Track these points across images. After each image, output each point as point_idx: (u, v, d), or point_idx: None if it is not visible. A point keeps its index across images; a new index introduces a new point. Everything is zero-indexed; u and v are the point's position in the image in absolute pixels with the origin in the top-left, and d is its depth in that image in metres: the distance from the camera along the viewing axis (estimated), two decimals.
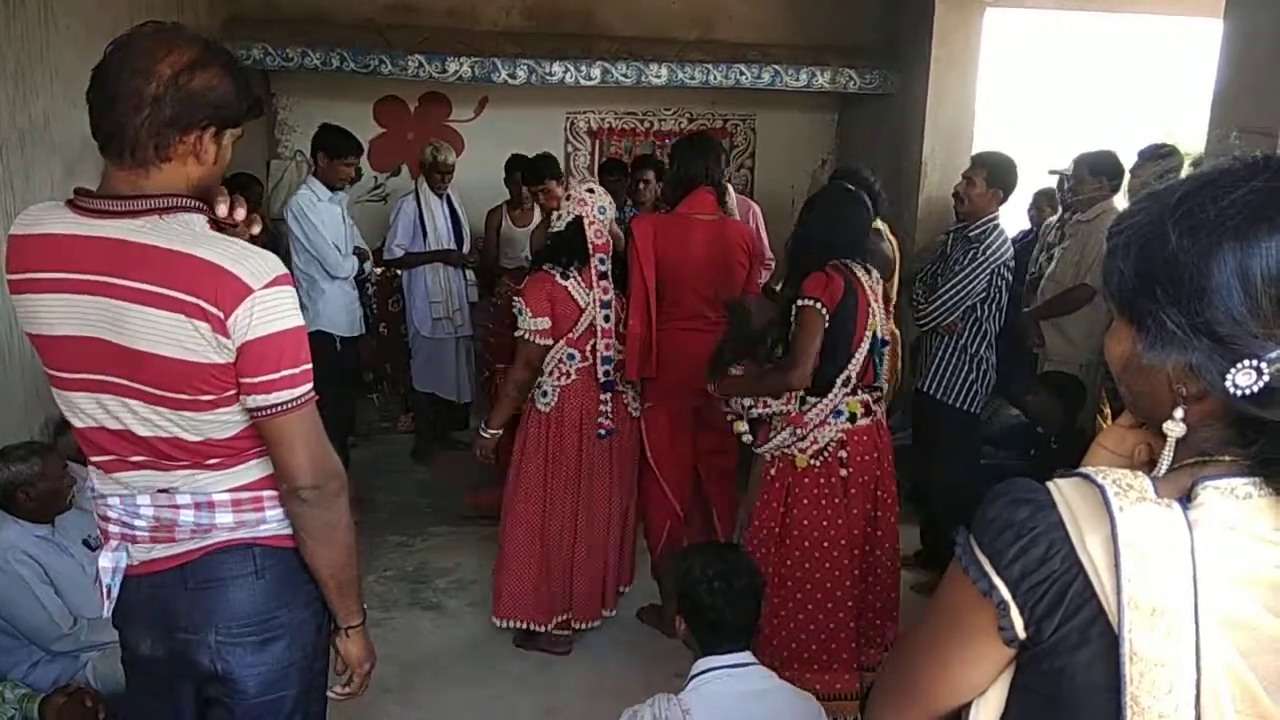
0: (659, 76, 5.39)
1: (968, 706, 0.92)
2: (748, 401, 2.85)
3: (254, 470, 1.53)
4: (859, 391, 2.80)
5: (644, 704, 2.02)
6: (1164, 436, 0.85)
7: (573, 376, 3.20)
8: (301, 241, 4.19)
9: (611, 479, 3.31)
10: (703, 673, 2.06)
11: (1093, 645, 0.80)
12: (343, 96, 5.52)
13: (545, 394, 3.21)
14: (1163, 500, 0.79)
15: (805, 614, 2.78)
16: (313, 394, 1.48)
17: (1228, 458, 0.81)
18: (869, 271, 2.86)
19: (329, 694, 1.71)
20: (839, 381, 2.75)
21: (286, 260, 4.52)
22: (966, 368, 3.86)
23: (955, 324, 3.84)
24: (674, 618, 2.23)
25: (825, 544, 2.76)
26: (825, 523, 2.76)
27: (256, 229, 1.50)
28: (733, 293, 3.32)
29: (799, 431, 2.77)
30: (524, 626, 3.31)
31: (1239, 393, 0.78)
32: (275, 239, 5.31)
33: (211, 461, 1.49)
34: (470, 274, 5.20)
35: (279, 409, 1.43)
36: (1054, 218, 4.79)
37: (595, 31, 5.63)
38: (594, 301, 3.15)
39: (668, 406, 3.34)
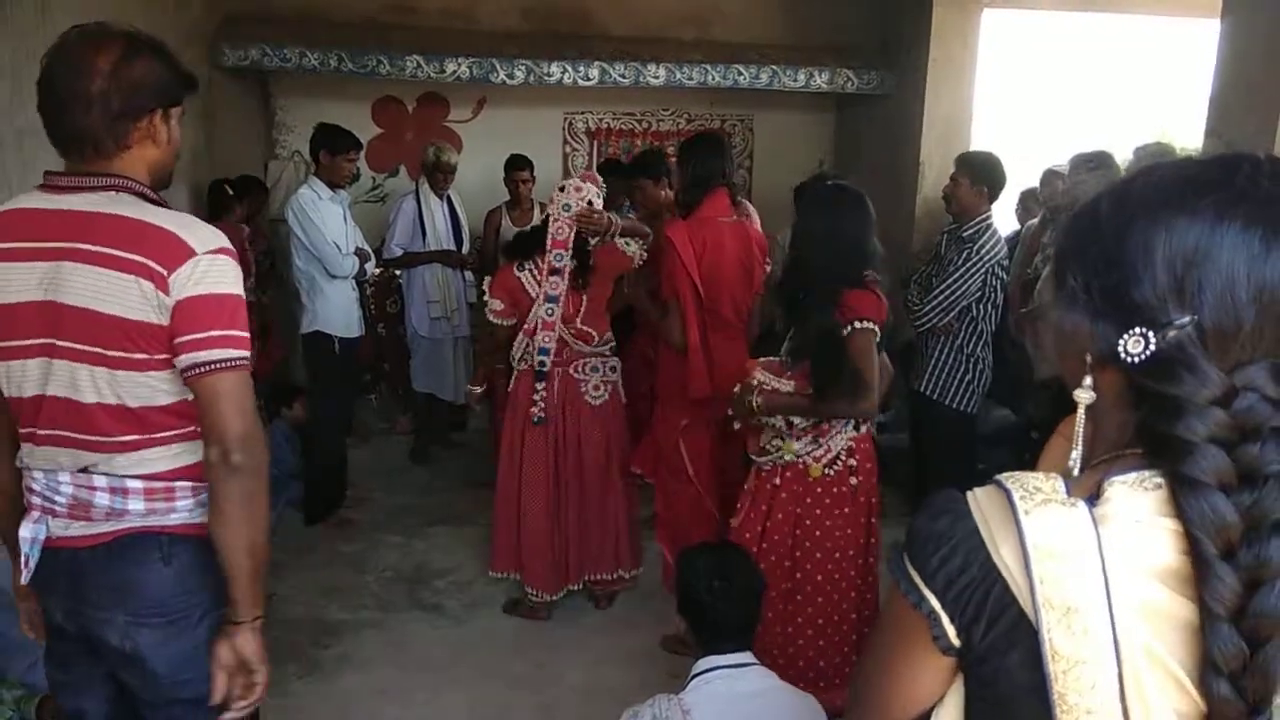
0: (657, 77, 5.39)
1: (930, 716, 0.93)
2: (798, 420, 2.66)
3: (169, 460, 1.58)
4: None
5: (644, 704, 2.02)
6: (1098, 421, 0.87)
7: (527, 365, 3.45)
8: (302, 240, 4.18)
9: (564, 463, 3.47)
10: (703, 672, 2.06)
11: (1020, 648, 0.81)
12: (341, 97, 5.52)
13: (511, 379, 3.49)
14: (1069, 500, 0.80)
15: (815, 629, 2.71)
16: (248, 363, 1.52)
17: (1140, 451, 0.83)
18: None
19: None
20: None
21: (286, 262, 4.53)
22: (963, 368, 3.87)
23: (951, 324, 3.85)
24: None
25: (836, 555, 2.70)
26: (838, 533, 2.69)
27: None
28: (753, 297, 3.37)
29: (820, 440, 2.67)
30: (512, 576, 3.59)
31: (1130, 360, 0.81)
32: (272, 242, 5.32)
33: (135, 439, 1.54)
34: (469, 274, 5.20)
35: (212, 366, 1.48)
36: (1035, 220, 4.80)
37: (593, 32, 5.63)
38: (540, 295, 3.32)
39: (705, 419, 3.33)
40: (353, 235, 4.39)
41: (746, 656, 2.09)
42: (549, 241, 3.29)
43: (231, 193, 4.73)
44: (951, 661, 0.87)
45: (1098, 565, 0.77)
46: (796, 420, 2.66)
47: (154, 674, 1.60)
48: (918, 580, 0.85)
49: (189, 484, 1.59)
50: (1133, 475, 0.80)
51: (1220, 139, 2.98)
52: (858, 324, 2.53)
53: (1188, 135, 5.12)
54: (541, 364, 3.36)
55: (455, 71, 5.16)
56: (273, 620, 3.46)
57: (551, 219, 3.30)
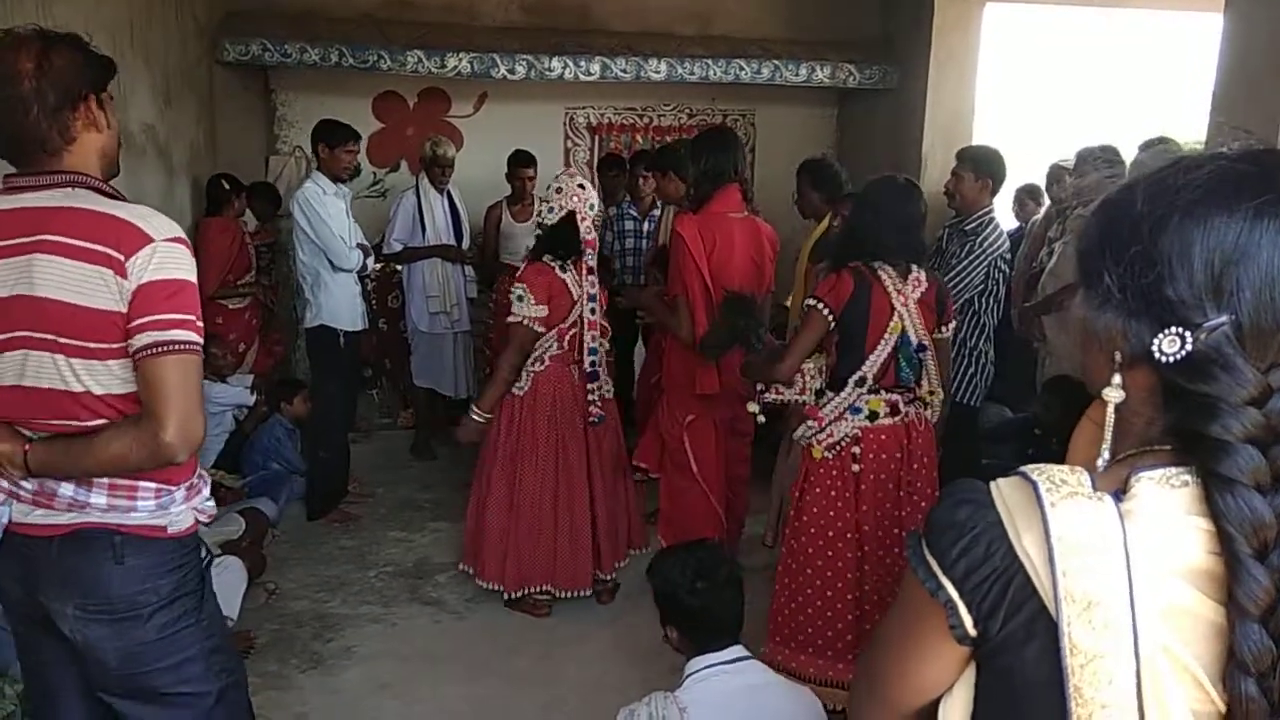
0: (658, 72, 5.38)
1: (939, 706, 0.93)
2: (760, 385, 2.92)
3: None
4: (883, 391, 2.78)
5: (640, 702, 2.02)
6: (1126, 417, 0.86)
7: (547, 363, 3.37)
8: (307, 234, 4.17)
9: (590, 458, 3.46)
10: (698, 670, 2.06)
11: (1038, 640, 0.81)
12: (341, 92, 5.51)
13: (521, 378, 3.38)
14: (1095, 494, 0.80)
15: (805, 598, 2.83)
16: (198, 348, 1.55)
17: (1169, 447, 0.82)
18: (909, 271, 2.78)
19: None
20: (852, 381, 2.75)
21: (290, 256, 4.53)
22: (965, 362, 3.86)
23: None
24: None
25: (830, 534, 2.79)
26: (833, 513, 2.79)
27: None
28: (763, 294, 3.40)
29: (812, 425, 2.81)
30: (511, 593, 3.49)
31: (1164, 359, 0.80)
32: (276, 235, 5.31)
33: (101, 425, 1.56)
34: (469, 270, 5.20)
35: (165, 348, 1.50)
36: (1039, 214, 4.79)
37: (594, 27, 5.63)
38: (584, 295, 3.30)
39: (711, 416, 3.35)
40: (354, 230, 4.39)
41: (739, 650, 2.09)
42: (583, 241, 3.29)
43: (228, 187, 4.73)
44: (964, 652, 0.87)
45: (1122, 560, 0.77)
46: (760, 386, 2.92)
47: (105, 665, 1.65)
48: (936, 568, 0.85)
49: (153, 485, 1.62)
50: (1160, 472, 0.80)
51: (1251, 136, 2.94)
52: (808, 302, 2.78)
53: (1189, 130, 5.10)
54: (593, 364, 3.36)
55: (456, 66, 5.15)
56: (275, 614, 3.50)
57: (580, 217, 3.27)
